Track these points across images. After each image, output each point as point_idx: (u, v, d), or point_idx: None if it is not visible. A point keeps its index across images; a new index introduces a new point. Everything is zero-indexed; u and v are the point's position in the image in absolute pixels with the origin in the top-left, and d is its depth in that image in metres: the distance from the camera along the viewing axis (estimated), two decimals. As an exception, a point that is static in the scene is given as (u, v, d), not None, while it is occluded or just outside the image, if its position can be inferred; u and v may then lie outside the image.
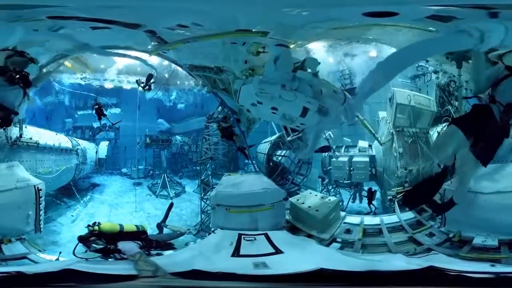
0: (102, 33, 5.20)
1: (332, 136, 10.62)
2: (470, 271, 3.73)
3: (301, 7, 4.13)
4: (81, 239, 5.14)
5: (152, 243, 5.49)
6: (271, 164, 11.76)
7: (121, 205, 13.76)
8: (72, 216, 11.37)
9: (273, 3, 4.00)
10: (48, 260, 5.22)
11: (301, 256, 4.66)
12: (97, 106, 7.57)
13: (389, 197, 7.86)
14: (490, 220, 5.09)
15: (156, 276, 3.76)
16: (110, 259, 4.95)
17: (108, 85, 14.34)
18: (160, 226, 6.47)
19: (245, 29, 5.14)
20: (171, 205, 6.87)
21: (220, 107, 9.93)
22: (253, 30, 5.24)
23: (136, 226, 5.65)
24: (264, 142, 12.89)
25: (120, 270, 3.98)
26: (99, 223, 5.45)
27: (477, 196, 5.28)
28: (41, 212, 5.88)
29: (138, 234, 5.39)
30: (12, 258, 5.05)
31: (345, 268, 3.94)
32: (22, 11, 4.17)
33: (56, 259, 5.36)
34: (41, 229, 5.93)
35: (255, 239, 5.27)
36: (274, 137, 12.57)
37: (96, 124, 17.01)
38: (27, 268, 4.08)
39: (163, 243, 5.76)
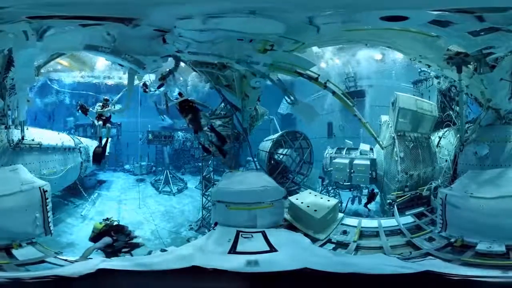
0: (94, 30, 5.01)
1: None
2: (477, 276, 3.76)
3: (335, 8, 4.24)
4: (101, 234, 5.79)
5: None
6: (272, 162, 11.79)
7: (125, 201, 13.89)
8: (82, 215, 11.37)
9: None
10: (70, 263, 4.89)
11: (292, 255, 4.69)
12: (79, 106, 7.88)
13: (388, 201, 7.87)
14: (493, 225, 5.03)
15: None
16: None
17: (109, 82, 14.33)
18: None
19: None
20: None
21: (222, 103, 9.97)
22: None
23: None
24: (267, 140, 12.91)
25: (141, 266, 4.28)
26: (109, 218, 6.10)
27: (480, 201, 5.23)
28: (49, 214, 5.66)
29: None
30: (30, 262, 4.79)
31: (332, 269, 4.00)
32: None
33: (76, 260, 5.15)
34: (52, 232, 5.70)
35: (252, 236, 5.35)
36: (276, 135, 12.59)
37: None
38: (58, 271, 4.06)
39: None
